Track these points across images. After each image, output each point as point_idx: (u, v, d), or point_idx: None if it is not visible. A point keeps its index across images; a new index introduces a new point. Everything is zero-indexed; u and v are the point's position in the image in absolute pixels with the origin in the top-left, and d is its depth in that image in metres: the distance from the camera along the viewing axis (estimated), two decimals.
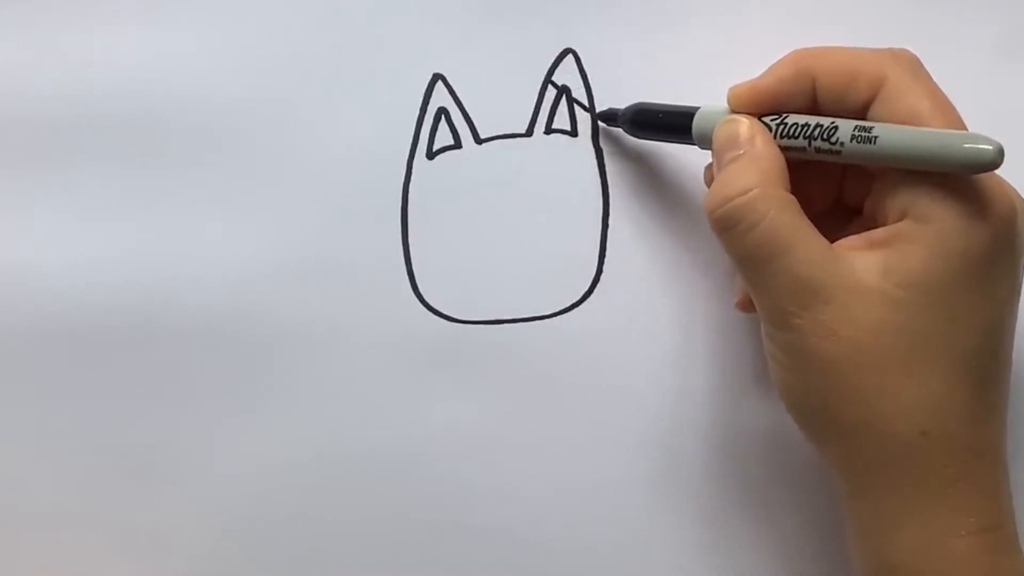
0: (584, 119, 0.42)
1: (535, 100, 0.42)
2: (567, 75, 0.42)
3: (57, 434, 0.41)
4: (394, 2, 0.42)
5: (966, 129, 0.33)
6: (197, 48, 0.42)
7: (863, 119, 0.33)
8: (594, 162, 0.42)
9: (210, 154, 0.41)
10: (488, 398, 0.41)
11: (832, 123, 0.33)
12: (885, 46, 0.35)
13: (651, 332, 0.41)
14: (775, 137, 0.35)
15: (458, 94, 0.42)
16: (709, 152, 0.36)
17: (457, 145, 0.42)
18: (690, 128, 0.37)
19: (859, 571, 0.35)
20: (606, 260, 0.41)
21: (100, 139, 0.41)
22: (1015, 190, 0.34)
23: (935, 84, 0.34)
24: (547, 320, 0.41)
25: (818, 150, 0.34)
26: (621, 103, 0.41)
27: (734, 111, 0.36)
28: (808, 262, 0.33)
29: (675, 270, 0.41)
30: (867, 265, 0.33)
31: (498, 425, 0.41)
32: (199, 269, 0.41)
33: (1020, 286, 0.34)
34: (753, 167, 0.34)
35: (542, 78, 0.42)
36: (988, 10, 0.42)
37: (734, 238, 0.34)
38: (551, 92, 0.42)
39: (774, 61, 0.36)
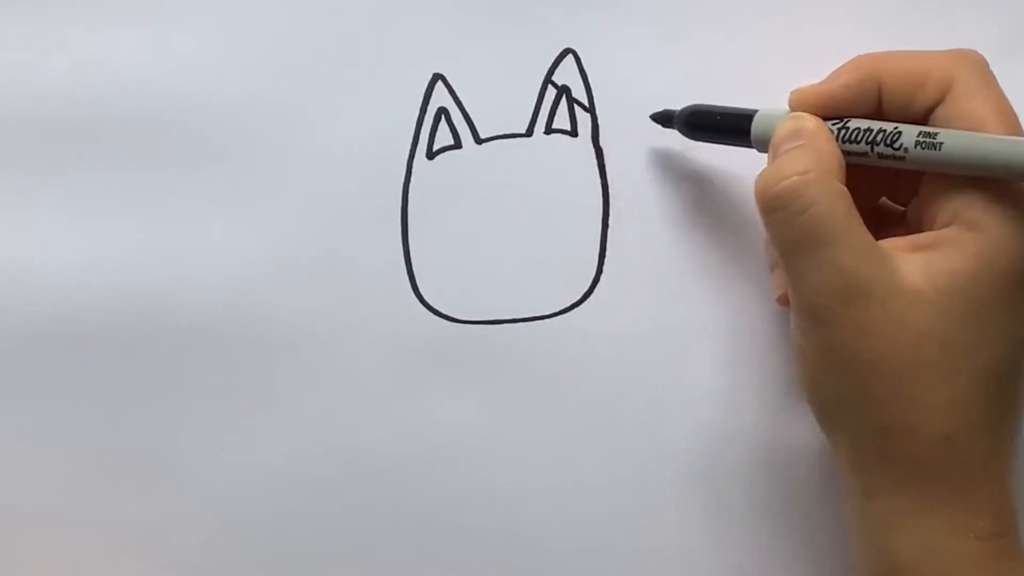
0: (584, 119, 0.42)
1: (535, 100, 0.42)
2: (567, 75, 0.42)
3: (57, 434, 0.41)
4: (394, 2, 0.42)
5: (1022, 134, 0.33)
6: (197, 48, 0.42)
7: (923, 124, 0.33)
8: (594, 162, 0.42)
9: (210, 154, 0.41)
10: (488, 398, 0.41)
11: (895, 128, 0.33)
12: (952, 47, 0.35)
13: (651, 332, 0.41)
14: (837, 142, 0.34)
15: (458, 94, 0.42)
16: (764, 157, 0.36)
17: (457, 145, 0.42)
18: (748, 130, 0.37)
19: (862, 572, 0.35)
20: (606, 260, 0.41)
21: (100, 139, 0.41)
22: None
23: (1000, 88, 0.34)
24: (547, 320, 0.41)
25: (880, 155, 0.33)
26: (621, 103, 0.41)
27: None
28: (854, 256, 0.32)
29: (675, 270, 0.41)
30: (911, 267, 0.32)
31: (498, 425, 0.41)
32: (199, 269, 0.41)
33: None
34: (811, 154, 0.34)
35: (542, 78, 0.42)
36: (988, 10, 0.42)
37: (783, 220, 0.33)
38: (551, 92, 0.42)
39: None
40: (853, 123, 0.34)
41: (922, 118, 0.34)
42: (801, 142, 0.34)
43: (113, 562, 0.41)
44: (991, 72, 0.34)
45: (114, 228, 0.41)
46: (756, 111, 0.37)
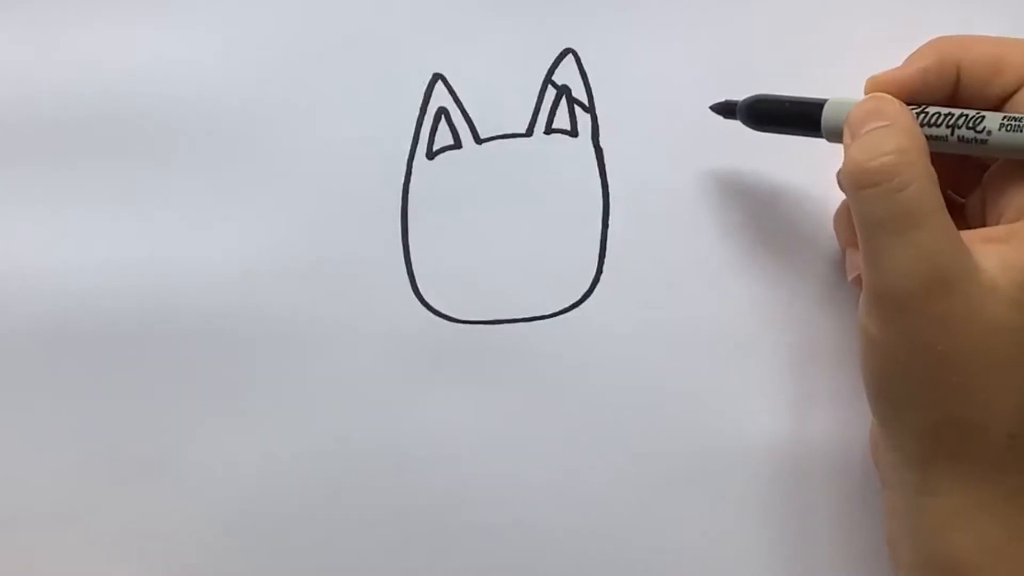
0: (584, 119, 0.42)
1: (535, 100, 0.42)
2: (567, 75, 0.42)
3: (57, 434, 0.41)
4: (394, 2, 0.42)
5: None
6: (197, 49, 0.42)
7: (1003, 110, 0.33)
8: (594, 162, 0.42)
9: (210, 154, 0.41)
10: (488, 398, 0.41)
11: (978, 112, 0.32)
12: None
13: (651, 332, 0.41)
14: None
15: (458, 94, 0.42)
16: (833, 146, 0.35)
17: (457, 145, 0.42)
18: (818, 119, 0.36)
19: (912, 569, 0.34)
20: (606, 260, 0.41)
21: (100, 139, 0.41)
22: None
23: None
24: (547, 320, 0.41)
25: (961, 139, 0.33)
26: (621, 103, 0.41)
27: None
28: (942, 243, 0.31)
29: (675, 270, 0.41)
30: (988, 261, 0.32)
31: (498, 425, 0.41)
32: (199, 269, 0.41)
33: None
34: (904, 134, 0.32)
35: (542, 78, 0.42)
36: (988, 10, 0.42)
37: (877, 197, 0.32)
38: (551, 92, 0.42)
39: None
40: (932, 108, 0.34)
41: (997, 106, 0.33)
42: (886, 122, 0.33)
43: (113, 562, 0.41)
44: None
45: (115, 228, 0.41)
46: (826, 100, 0.36)
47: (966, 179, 0.36)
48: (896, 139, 0.32)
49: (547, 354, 0.41)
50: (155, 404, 0.41)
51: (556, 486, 0.41)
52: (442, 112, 0.42)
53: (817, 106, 0.36)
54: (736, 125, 0.40)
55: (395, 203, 0.41)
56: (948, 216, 0.32)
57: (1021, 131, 0.31)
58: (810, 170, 0.41)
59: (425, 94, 0.42)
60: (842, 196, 0.38)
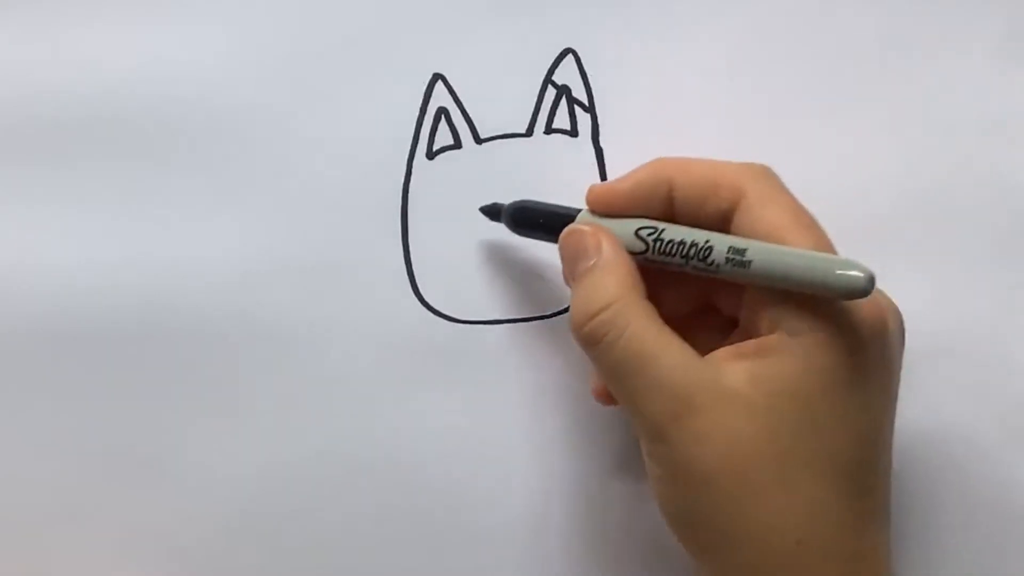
0: (584, 119, 0.42)
1: (535, 100, 0.42)
2: (567, 75, 0.42)
3: (57, 434, 0.41)
4: (394, 2, 0.42)
5: (830, 243, 0.34)
6: (198, 49, 0.42)
7: (726, 230, 0.34)
8: (594, 162, 0.42)
9: (210, 154, 0.41)
10: (488, 398, 0.41)
11: (707, 242, 0.33)
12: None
13: None
14: (652, 253, 0.35)
15: (458, 94, 0.42)
16: None
17: (457, 145, 0.42)
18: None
19: None
20: None
21: (100, 139, 0.41)
22: (888, 301, 0.34)
23: (793, 198, 0.34)
24: (547, 320, 0.41)
25: (695, 268, 0.34)
26: (621, 103, 0.41)
27: (592, 209, 0.36)
28: (676, 369, 0.33)
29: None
30: (735, 375, 0.32)
31: (498, 425, 0.41)
32: (198, 269, 0.41)
33: (894, 393, 0.34)
34: (610, 278, 0.34)
35: (542, 78, 0.42)
36: (988, 10, 0.42)
37: (601, 354, 0.34)
38: (551, 92, 0.42)
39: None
40: (668, 233, 0.34)
41: (718, 223, 0.34)
42: (591, 261, 0.35)
43: (113, 562, 0.41)
44: (780, 182, 0.35)
45: (115, 228, 0.41)
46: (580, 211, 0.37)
47: (736, 291, 0.36)
48: (600, 293, 0.34)
49: (547, 354, 0.41)
50: (155, 404, 0.41)
51: (555, 485, 0.41)
52: (442, 112, 0.42)
53: (568, 218, 0.37)
54: (736, 126, 0.41)
55: (395, 203, 0.41)
56: (677, 341, 0.33)
57: (745, 266, 0.32)
58: (808, 170, 0.41)
59: (425, 94, 0.42)
60: None
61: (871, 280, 0.30)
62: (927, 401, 0.41)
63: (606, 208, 0.36)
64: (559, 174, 0.41)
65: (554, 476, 0.41)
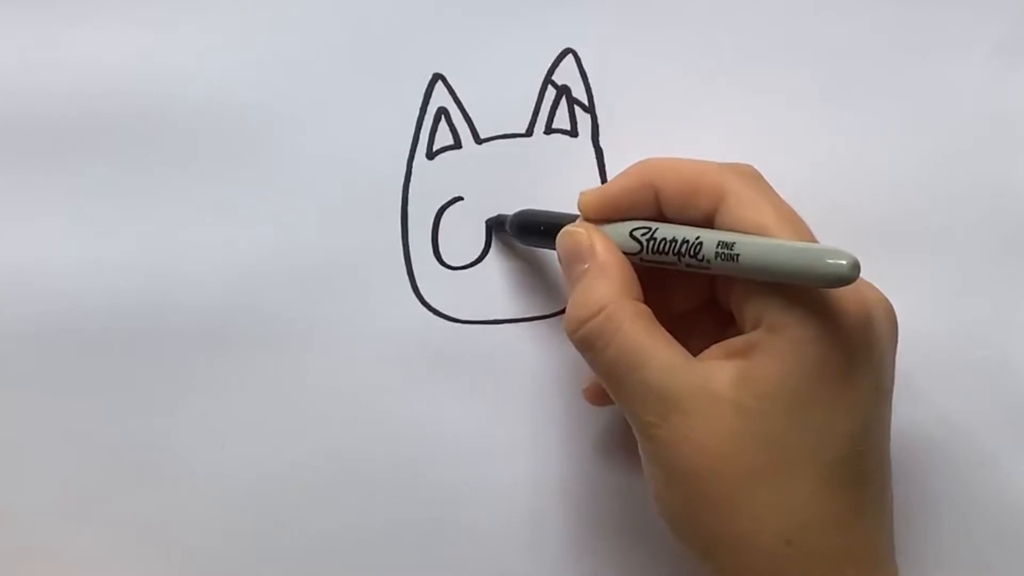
0: (584, 119, 0.42)
1: (535, 100, 0.42)
2: (567, 75, 0.42)
3: (57, 434, 0.41)
4: (394, 2, 0.42)
5: (813, 237, 0.34)
6: (197, 49, 0.42)
7: (711, 227, 0.34)
8: (594, 162, 0.42)
9: (210, 155, 0.41)
10: (488, 398, 0.41)
11: (697, 238, 0.33)
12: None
13: None
14: (646, 253, 0.35)
15: (458, 94, 0.42)
16: None
17: (457, 145, 0.42)
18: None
19: None
20: None
21: (101, 140, 0.41)
22: (874, 291, 0.34)
23: (776, 195, 0.34)
24: (547, 320, 0.41)
25: (688, 265, 0.34)
26: (621, 103, 0.41)
27: (584, 216, 0.37)
28: (664, 371, 0.33)
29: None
30: (722, 375, 0.33)
31: (498, 425, 0.41)
32: (199, 269, 0.41)
33: (886, 388, 0.34)
34: (602, 282, 0.35)
35: (542, 78, 0.42)
36: (988, 10, 0.42)
37: (595, 356, 0.34)
38: (551, 92, 0.42)
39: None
40: (660, 232, 0.34)
41: (704, 221, 0.34)
42: (585, 264, 0.35)
43: (113, 562, 0.41)
44: (763, 181, 0.35)
45: (115, 228, 0.41)
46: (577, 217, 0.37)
47: (730, 287, 0.36)
48: (593, 297, 0.34)
49: (547, 354, 0.41)
50: (155, 404, 0.41)
51: (555, 485, 0.41)
52: (442, 112, 0.42)
53: (568, 223, 0.37)
54: (736, 126, 0.41)
55: (395, 203, 0.41)
56: (668, 343, 0.34)
57: (733, 259, 0.32)
58: (808, 170, 0.41)
59: (425, 94, 0.42)
60: None
61: (855, 266, 0.30)
62: (926, 401, 0.41)
63: (600, 213, 0.36)
64: (559, 174, 0.41)
65: (554, 476, 0.41)
